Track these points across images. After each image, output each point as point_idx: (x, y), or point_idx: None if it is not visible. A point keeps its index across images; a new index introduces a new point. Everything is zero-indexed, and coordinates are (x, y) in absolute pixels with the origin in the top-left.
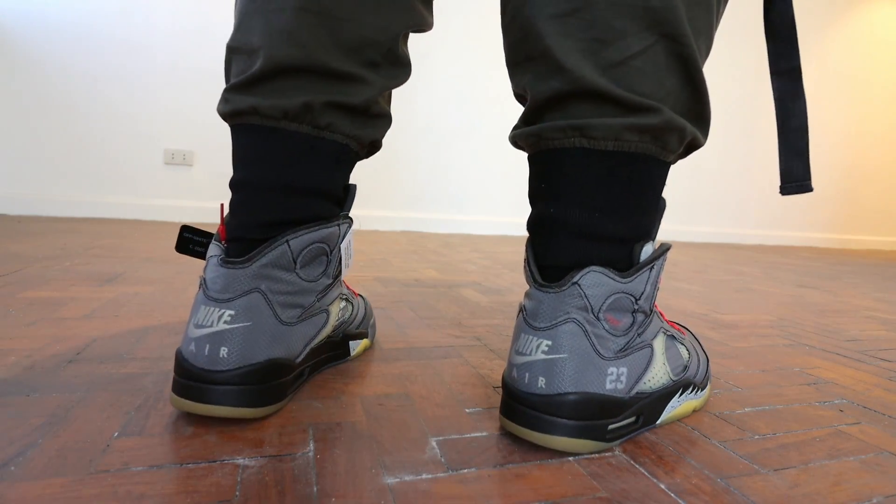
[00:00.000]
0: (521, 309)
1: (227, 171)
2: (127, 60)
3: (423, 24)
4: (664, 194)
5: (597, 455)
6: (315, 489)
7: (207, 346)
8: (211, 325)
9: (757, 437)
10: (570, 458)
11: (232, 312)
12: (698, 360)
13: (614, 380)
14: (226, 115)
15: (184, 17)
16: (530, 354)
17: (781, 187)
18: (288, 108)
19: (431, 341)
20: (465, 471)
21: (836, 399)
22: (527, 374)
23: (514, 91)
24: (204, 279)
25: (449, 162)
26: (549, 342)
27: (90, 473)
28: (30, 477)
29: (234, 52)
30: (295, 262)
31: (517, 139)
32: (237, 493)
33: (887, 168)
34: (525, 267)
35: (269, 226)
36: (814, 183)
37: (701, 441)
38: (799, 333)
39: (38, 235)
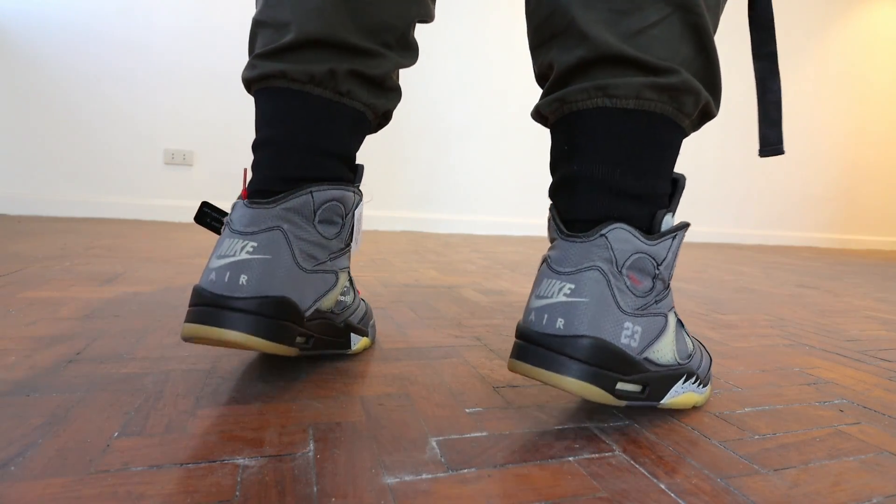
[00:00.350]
0: (545, 259)
1: (228, 171)
2: (127, 60)
3: (429, 16)
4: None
5: (597, 455)
6: (315, 489)
7: (228, 273)
8: (234, 255)
9: (757, 437)
10: (570, 458)
11: (255, 244)
12: (701, 356)
13: (629, 335)
14: (253, 79)
15: (184, 16)
16: (552, 297)
17: (760, 150)
18: (314, 72)
19: (431, 341)
20: (465, 471)
21: (836, 399)
22: (546, 315)
23: (537, 73)
24: (230, 219)
25: (449, 162)
26: (573, 286)
27: (90, 473)
28: (30, 477)
29: (262, 25)
30: (315, 214)
31: (541, 109)
32: (237, 493)
33: (887, 168)
34: (550, 224)
35: (291, 180)
36: (814, 183)
37: (701, 441)
38: (799, 333)
39: (38, 235)
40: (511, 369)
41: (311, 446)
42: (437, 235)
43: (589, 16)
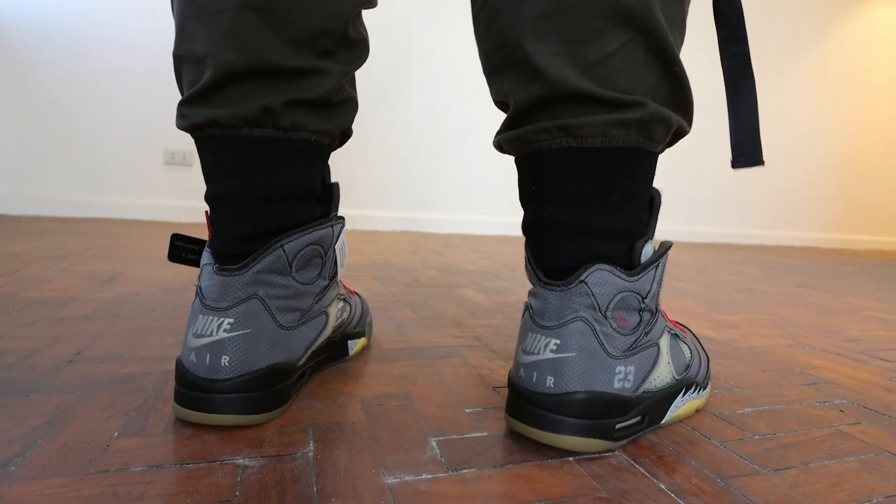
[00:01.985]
0: (527, 308)
1: None
2: (127, 60)
3: (370, 1)
4: (663, 192)
5: (597, 455)
6: (315, 489)
7: (208, 355)
8: (210, 335)
9: (757, 437)
10: (571, 459)
11: (231, 321)
12: (700, 359)
13: (622, 378)
14: (185, 130)
15: None
16: (538, 353)
17: (733, 161)
18: (247, 114)
19: (431, 341)
20: (465, 471)
21: (836, 399)
22: (535, 373)
23: (494, 99)
24: (200, 288)
25: (449, 162)
26: (558, 341)
27: (90, 473)
28: (30, 477)
29: (182, 60)
30: (290, 266)
31: (502, 143)
32: (237, 493)
33: (887, 168)
34: (527, 267)
35: (256, 238)
36: (814, 183)
37: (701, 441)
38: (799, 333)
39: (38, 235)
40: (508, 425)
41: (311, 446)
42: (437, 235)
43: (542, 48)
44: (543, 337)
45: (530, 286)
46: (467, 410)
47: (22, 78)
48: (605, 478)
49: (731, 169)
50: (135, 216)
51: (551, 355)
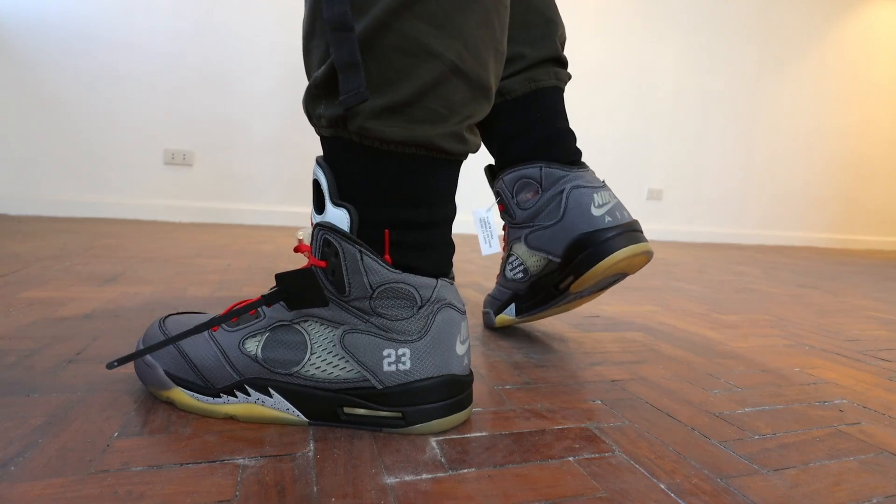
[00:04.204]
0: (578, 186)
1: (228, 171)
2: (127, 60)
3: None
4: (664, 192)
5: (597, 455)
6: (315, 489)
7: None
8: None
9: (757, 437)
10: (570, 458)
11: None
12: None
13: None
14: (469, 152)
15: (183, 16)
16: (611, 201)
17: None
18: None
19: None
20: (465, 471)
21: (836, 399)
22: (616, 212)
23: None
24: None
25: None
26: (610, 192)
27: (90, 473)
28: (30, 477)
29: (462, 77)
30: None
31: (541, 76)
32: (237, 493)
33: (887, 168)
34: (533, 172)
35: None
36: (814, 183)
37: (701, 441)
38: (799, 333)
39: (38, 235)
40: (634, 254)
41: (311, 446)
42: None
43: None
44: (606, 192)
45: None
46: None
47: (22, 78)
48: (605, 478)
49: (731, 169)
50: (135, 216)
51: (615, 200)
